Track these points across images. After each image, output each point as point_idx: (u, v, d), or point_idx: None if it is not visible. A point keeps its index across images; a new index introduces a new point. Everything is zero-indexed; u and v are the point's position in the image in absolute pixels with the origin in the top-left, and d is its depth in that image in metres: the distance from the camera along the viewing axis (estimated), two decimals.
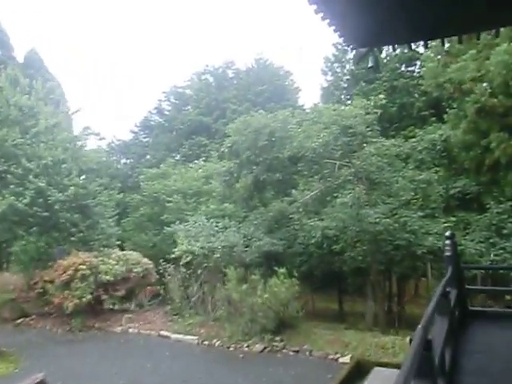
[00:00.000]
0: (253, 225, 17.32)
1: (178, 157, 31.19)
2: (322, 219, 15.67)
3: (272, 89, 30.85)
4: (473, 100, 15.79)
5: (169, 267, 16.66)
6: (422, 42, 5.47)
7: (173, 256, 15.88)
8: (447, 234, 8.83)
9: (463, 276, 8.90)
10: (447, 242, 8.67)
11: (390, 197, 16.48)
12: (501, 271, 14.67)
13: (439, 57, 18.51)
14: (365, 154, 16.45)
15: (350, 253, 15.83)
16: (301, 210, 16.24)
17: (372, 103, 16.09)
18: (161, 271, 17.65)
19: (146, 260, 17.90)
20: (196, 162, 26.52)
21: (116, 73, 66.22)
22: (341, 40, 4.67)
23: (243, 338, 13.67)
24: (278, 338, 13.47)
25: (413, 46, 5.91)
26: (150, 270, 17.59)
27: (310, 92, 67.71)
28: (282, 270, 13.96)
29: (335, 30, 4.02)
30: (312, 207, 17.35)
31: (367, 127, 15.91)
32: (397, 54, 28.29)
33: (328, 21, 3.90)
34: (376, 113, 15.88)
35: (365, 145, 17.08)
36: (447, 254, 8.65)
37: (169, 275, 16.60)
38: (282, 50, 65.82)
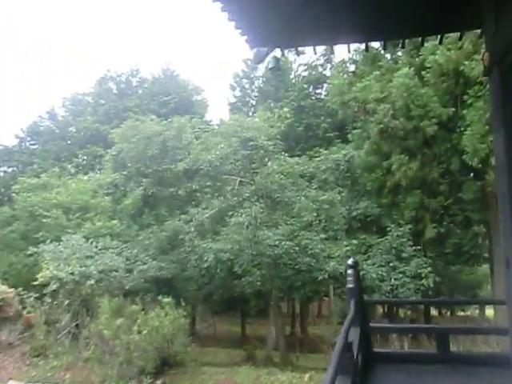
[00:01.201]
0: (141, 245, 15.00)
1: (70, 167, 27.72)
2: (217, 241, 13.89)
3: (178, 100, 28.96)
4: (376, 120, 15.28)
5: (30, 297, 13.61)
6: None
7: (37, 283, 12.96)
8: (350, 261, 7.44)
9: (367, 311, 7.57)
10: (350, 271, 7.25)
11: (293, 217, 15.28)
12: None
13: (345, 76, 18.06)
14: (267, 170, 15.12)
15: (249, 277, 14.23)
16: (193, 229, 14.30)
17: (276, 116, 14.85)
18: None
19: (4, 288, 14.56)
20: (91, 173, 23.51)
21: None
22: (245, 40, 4.01)
23: (117, 382, 11.24)
24: (159, 382, 11.26)
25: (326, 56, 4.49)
26: (9, 300, 14.31)
27: (219, 108, 66.73)
28: (168, 300, 11.84)
29: (237, 27, 3.75)
30: (209, 227, 15.52)
31: (270, 141, 14.60)
32: (305, 76, 28.11)
33: (229, 17, 3.63)
34: (280, 127, 14.65)
35: (268, 161, 15.78)
36: (349, 285, 7.21)
37: (31, 306, 13.55)
38: (194, 64, 64.35)
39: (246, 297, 17.28)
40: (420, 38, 4.48)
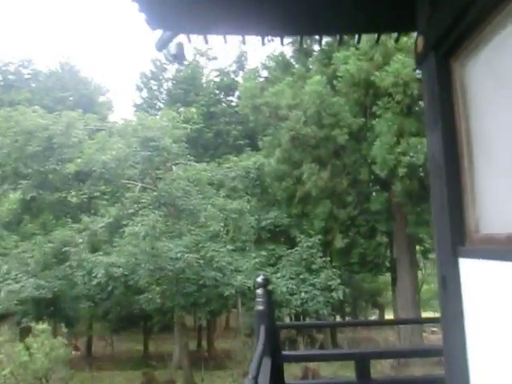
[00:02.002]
0: (18, 259, 12.56)
1: None
2: (109, 254, 12.02)
3: (77, 98, 26.13)
4: (288, 127, 14.61)
5: None
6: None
7: None
8: (260, 279, 6.32)
9: (279, 338, 6.47)
10: (259, 291, 6.10)
11: (200, 227, 13.93)
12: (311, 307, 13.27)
13: (257, 81, 17.28)
14: (172, 176, 13.63)
15: (148, 294, 12.55)
16: (84, 240, 12.26)
17: (181, 116, 13.46)
18: None
19: None
20: None
21: None
22: (144, 20, 3.32)
23: None
24: None
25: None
26: None
27: (125, 111, 63.18)
28: (43, 326, 9.75)
29: (140, 10, 2.84)
30: (104, 237, 13.55)
31: (175, 144, 13.15)
32: (216, 82, 27.07)
33: None
34: (186, 128, 13.28)
35: (172, 166, 14.29)
36: (259, 307, 6.03)
37: None
38: (99, 63, 60.26)
39: (149, 312, 15.56)
40: (356, 35, 3.63)
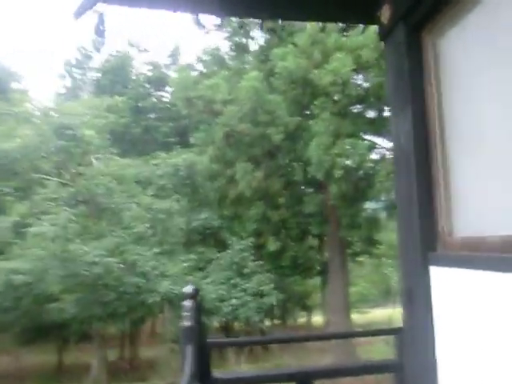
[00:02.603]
0: None
1: None
2: (11, 258, 10.28)
3: None
4: (222, 123, 13.72)
5: None
6: None
7: None
8: (187, 289, 5.35)
9: (209, 359, 5.51)
10: (187, 303, 5.10)
11: (124, 228, 12.55)
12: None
13: (192, 74, 16.20)
14: (92, 171, 12.15)
15: (59, 304, 10.96)
16: None
17: (105, 105, 12.04)
18: None
19: None
20: None
21: None
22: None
23: None
24: None
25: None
26: None
27: (45, 100, 58.34)
28: None
29: None
30: (8, 239, 11.68)
31: (97, 135, 11.71)
32: (147, 75, 25.47)
33: None
34: (108, 117, 11.88)
35: (94, 160, 12.79)
36: (186, 323, 5.01)
37: None
38: (15, 49, 55.07)
39: (65, 322, 13.82)
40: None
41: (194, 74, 16.42)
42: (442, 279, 1.99)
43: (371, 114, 14.11)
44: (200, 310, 4.57)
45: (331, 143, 12.60)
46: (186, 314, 4.37)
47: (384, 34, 2.54)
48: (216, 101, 13.84)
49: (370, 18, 2.65)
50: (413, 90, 2.25)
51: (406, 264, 2.36)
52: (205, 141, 15.30)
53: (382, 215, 16.05)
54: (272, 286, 12.67)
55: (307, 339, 6.21)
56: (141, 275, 10.96)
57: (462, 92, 1.97)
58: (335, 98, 11.93)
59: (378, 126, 13.97)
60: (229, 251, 13.57)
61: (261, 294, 12.62)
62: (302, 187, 15.44)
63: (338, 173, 12.39)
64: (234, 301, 12.05)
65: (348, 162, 12.31)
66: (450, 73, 2.07)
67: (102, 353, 13.33)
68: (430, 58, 2.17)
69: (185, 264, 11.79)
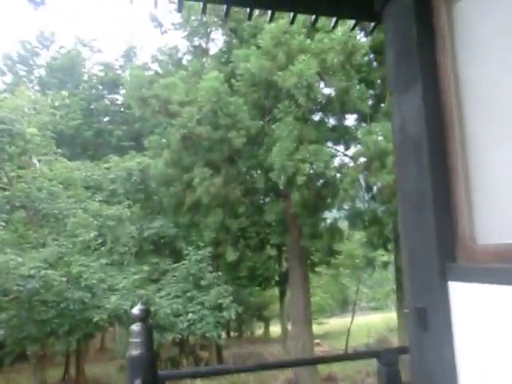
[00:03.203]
0: None
1: None
2: None
3: None
4: (179, 125, 12.78)
5: None
6: None
7: None
8: (136, 310, 4.39)
9: None
10: (136, 327, 4.10)
11: (69, 236, 11.26)
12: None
13: (147, 73, 15.16)
14: (33, 173, 10.84)
15: None
16: None
17: (49, 100, 10.80)
18: None
19: None
20: None
21: None
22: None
23: None
24: None
25: None
26: None
27: None
28: None
29: None
30: None
31: (39, 132, 10.43)
32: (100, 76, 24.04)
33: None
34: (54, 114, 10.65)
35: (35, 161, 11.46)
36: (134, 352, 3.99)
37: None
38: None
39: None
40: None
41: (150, 72, 15.41)
42: (465, 298, 1.58)
43: (332, 121, 13.71)
44: (151, 335, 3.59)
45: (294, 149, 11.99)
46: (134, 340, 3.38)
47: (383, 2, 2.12)
48: (172, 101, 12.90)
49: (363, 13, 2.56)
50: (422, 62, 1.88)
51: (417, 278, 1.90)
52: (160, 144, 14.27)
53: (344, 225, 15.67)
54: (231, 298, 11.77)
55: (279, 366, 5.29)
56: (86, 289, 9.75)
57: (481, 63, 1.63)
58: (299, 101, 11.34)
59: (339, 134, 13.57)
60: (185, 262, 12.57)
61: (219, 308, 11.70)
62: (263, 195, 14.73)
63: (300, 179, 11.77)
64: (190, 315, 11.05)
65: (313, 168, 11.75)
66: (466, 41, 1.73)
67: (41, 375, 11.86)
68: (442, 24, 1.84)
69: (136, 276, 10.68)
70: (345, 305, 28.46)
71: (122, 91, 23.55)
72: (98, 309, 9.72)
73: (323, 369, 15.43)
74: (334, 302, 28.09)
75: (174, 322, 10.77)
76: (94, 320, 9.55)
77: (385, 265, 15.28)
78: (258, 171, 13.39)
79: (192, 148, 13.51)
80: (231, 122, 12.63)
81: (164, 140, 14.10)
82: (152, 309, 9.73)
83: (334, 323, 27.16)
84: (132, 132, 21.67)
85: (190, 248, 12.97)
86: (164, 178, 14.46)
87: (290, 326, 15.15)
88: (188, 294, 11.81)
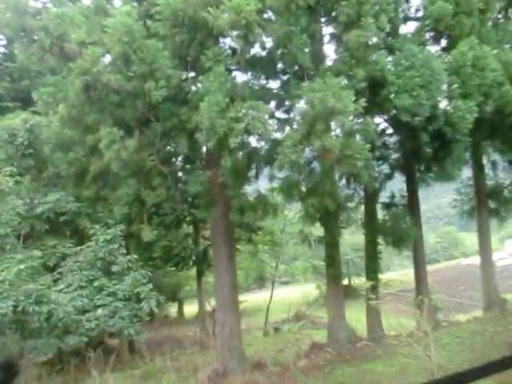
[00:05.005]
0: None
1: None
2: None
3: None
4: (80, 69, 9.72)
5: None
6: None
7: None
8: None
9: None
10: None
11: None
12: None
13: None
14: None
15: None
16: None
17: None
18: None
19: None
20: None
21: None
22: None
23: None
24: None
25: None
26: None
27: None
28: None
29: None
30: None
31: None
32: None
33: None
34: None
35: None
36: None
37: None
38: None
39: None
40: None
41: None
42: None
43: (270, 77, 11.69)
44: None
45: (227, 105, 9.76)
46: None
47: None
48: (69, 39, 9.77)
49: None
50: None
51: None
52: (54, 97, 10.97)
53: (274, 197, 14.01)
54: (150, 286, 9.37)
55: None
56: None
57: None
58: (236, 44, 9.11)
59: (278, 93, 11.66)
60: (91, 244, 9.77)
61: (137, 298, 9.23)
62: (187, 161, 12.32)
63: (234, 142, 9.61)
64: (100, 311, 8.44)
65: (249, 128, 9.66)
66: None
67: None
68: None
69: (23, 265, 7.72)
70: (261, 281, 27.32)
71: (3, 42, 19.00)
72: None
73: (252, 355, 13.81)
74: (250, 279, 26.76)
75: (79, 320, 8.10)
76: None
77: (320, 240, 13.92)
78: (182, 132, 10.89)
79: (98, 102, 10.53)
80: (148, 70, 9.90)
81: (60, 92, 10.85)
82: (45, 309, 7.00)
83: (251, 300, 25.85)
84: (17, 91, 17.53)
85: (97, 226, 10.16)
86: (60, 140, 11.29)
87: (217, 312, 13.15)
88: (96, 284, 9.13)
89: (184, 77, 10.53)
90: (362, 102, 9.84)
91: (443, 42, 12.39)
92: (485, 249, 15.33)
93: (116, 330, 8.63)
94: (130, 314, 9.04)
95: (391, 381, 10.12)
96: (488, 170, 15.23)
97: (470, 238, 59.49)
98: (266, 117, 10.04)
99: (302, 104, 10.55)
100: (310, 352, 13.57)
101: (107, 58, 10.63)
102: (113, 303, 8.94)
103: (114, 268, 9.61)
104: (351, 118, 10.20)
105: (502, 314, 14.02)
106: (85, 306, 8.37)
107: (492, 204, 15.25)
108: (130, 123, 10.92)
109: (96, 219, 11.25)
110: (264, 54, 11.53)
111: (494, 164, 15.01)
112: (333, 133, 11.09)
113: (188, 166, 13.19)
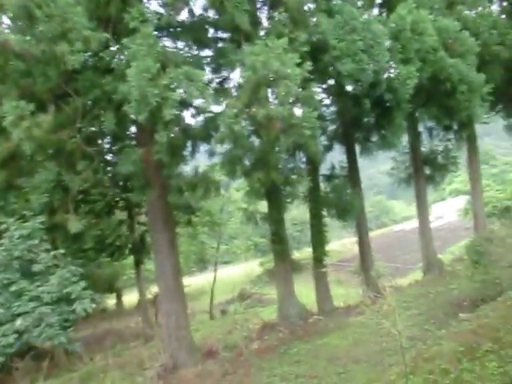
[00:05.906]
0: None
1: None
2: None
3: None
4: None
5: None
6: None
7: None
8: None
9: None
10: None
11: None
12: None
13: None
14: None
15: None
16: None
17: None
18: None
19: None
20: None
21: None
22: None
23: None
24: None
25: None
26: None
27: None
28: None
29: None
30: None
31: None
32: None
33: None
34: None
35: None
36: None
37: None
38: None
39: None
40: None
41: None
42: None
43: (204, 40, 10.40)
44: None
45: (158, 71, 8.41)
46: None
47: None
48: None
49: None
50: None
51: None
52: None
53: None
54: (83, 284, 7.97)
55: None
56: None
57: None
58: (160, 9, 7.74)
59: (214, 57, 10.44)
60: (3, 241, 8.08)
61: (66, 300, 7.81)
62: (115, 140, 10.77)
63: (168, 113, 8.36)
64: (20, 320, 6.94)
65: (185, 97, 8.44)
66: None
67: None
68: None
69: None
70: (202, 263, 26.30)
71: None
72: None
73: (202, 343, 12.88)
74: (191, 262, 25.61)
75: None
76: None
77: (266, 218, 13.12)
78: (107, 106, 9.32)
79: None
80: (58, 30, 8.19)
81: None
82: None
83: (193, 284, 24.79)
84: None
85: (10, 220, 8.44)
86: None
87: (161, 302, 11.99)
88: (13, 288, 7.55)
89: (105, 38, 8.89)
90: (308, 66, 9.06)
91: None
92: (422, 214, 15.58)
93: (43, 340, 7.19)
94: (59, 319, 7.64)
95: (348, 353, 9.78)
96: (424, 137, 15.37)
97: (399, 206, 63.04)
98: (204, 84, 8.83)
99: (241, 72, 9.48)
100: (261, 333, 12.93)
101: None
102: (37, 309, 7.46)
103: (36, 267, 8.08)
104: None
105: (441, 276, 14.38)
106: (0, 317, 6.83)
107: (427, 170, 15.47)
108: (43, 96, 9.14)
109: (8, 212, 9.43)
110: (195, 19, 10.25)
111: (430, 131, 15.15)
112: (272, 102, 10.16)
113: (117, 146, 11.59)
